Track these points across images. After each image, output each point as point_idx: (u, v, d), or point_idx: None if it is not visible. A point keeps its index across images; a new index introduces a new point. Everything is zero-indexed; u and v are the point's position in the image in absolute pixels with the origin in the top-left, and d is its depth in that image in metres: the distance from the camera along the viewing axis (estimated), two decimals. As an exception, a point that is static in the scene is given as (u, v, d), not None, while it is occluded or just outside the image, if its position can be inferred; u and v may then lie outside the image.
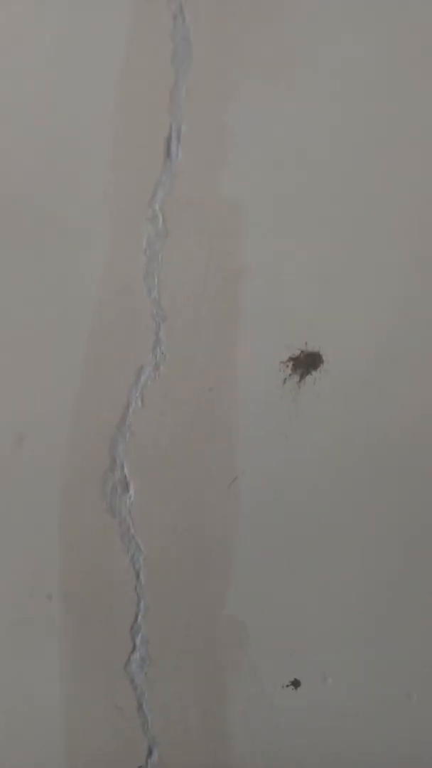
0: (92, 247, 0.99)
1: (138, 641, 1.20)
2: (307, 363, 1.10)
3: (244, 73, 0.94)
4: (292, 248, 1.04)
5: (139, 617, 1.19)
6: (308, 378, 1.11)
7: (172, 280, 1.03)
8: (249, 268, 1.04)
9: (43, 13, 0.88)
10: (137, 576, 1.18)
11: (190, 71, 0.93)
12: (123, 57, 0.91)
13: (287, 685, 1.23)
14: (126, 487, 1.13)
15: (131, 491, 1.13)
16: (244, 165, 0.98)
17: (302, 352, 1.10)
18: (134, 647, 1.19)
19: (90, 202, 0.97)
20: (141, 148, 0.95)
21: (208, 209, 1.00)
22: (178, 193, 0.99)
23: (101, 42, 0.90)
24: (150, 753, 1.20)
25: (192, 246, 1.02)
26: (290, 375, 1.10)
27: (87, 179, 0.96)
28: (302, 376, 1.10)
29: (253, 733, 1.21)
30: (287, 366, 1.10)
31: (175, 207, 0.99)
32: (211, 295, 1.05)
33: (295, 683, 1.23)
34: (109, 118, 0.93)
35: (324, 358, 1.10)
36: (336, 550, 1.21)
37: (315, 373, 1.10)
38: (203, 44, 0.92)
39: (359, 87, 0.98)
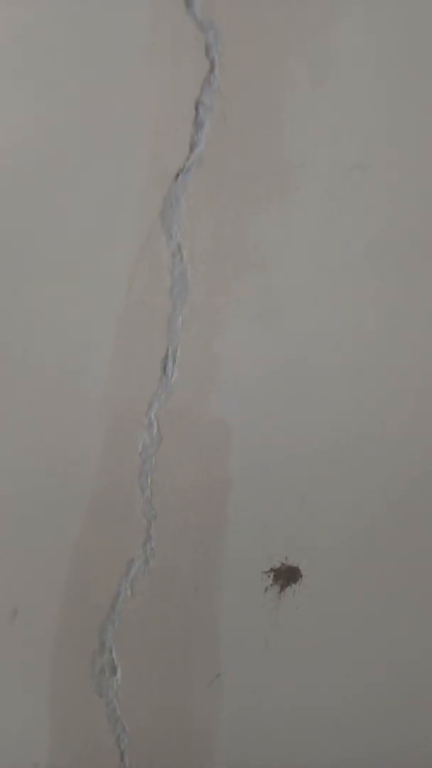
0: (91, 446, 1.02)
1: None
2: (287, 575, 1.07)
3: (234, 312, 0.96)
4: (275, 465, 1.05)
5: (124, 796, 1.17)
6: (288, 589, 1.09)
7: (164, 483, 1.04)
8: (234, 479, 1.03)
9: (48, 246, 0.96)
10: (122, 756, 1.16)
11: (186, 304, 0.97)
12: (126, 287, 0.97)
13: None
14: (114, 671, 1.12)
15: (118, 674, 1.12)
16: (231, 387, 0.97)
17: (283, 564, 1.07)
18: None
19: (91, 408, 1.01)
20: (140, 364, 0.98)
21: (198, 422, 1.01)
22: (172, 406, 1.00)
23: (108, 274, 0.97)
24: None
25: (183, 453, 1.03)
26: (271, 585, 1.07)
27: (89, 388, 1.00)
28: (282, 587, 1.08)
29: None
30: (269, 576, 1.08)
31: (169, 417, 1.00)
32: (199, 500, 1.05)
33: None
34: (112, 337, 0.98)
35: (303, 573, 1.09)
36: (313, 752, 1.16)
37: (294, 586, 1.08)
38: (198, 281, 0.97)
39: (343, 338, 1.01)
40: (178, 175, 0.91)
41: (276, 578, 1.06)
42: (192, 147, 0.90)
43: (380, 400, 1.02)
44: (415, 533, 1.09)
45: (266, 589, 1.07)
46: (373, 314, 0.98)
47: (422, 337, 1.01)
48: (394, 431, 1.04)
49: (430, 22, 0.89)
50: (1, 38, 0.85)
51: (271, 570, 1.06)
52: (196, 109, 0.89)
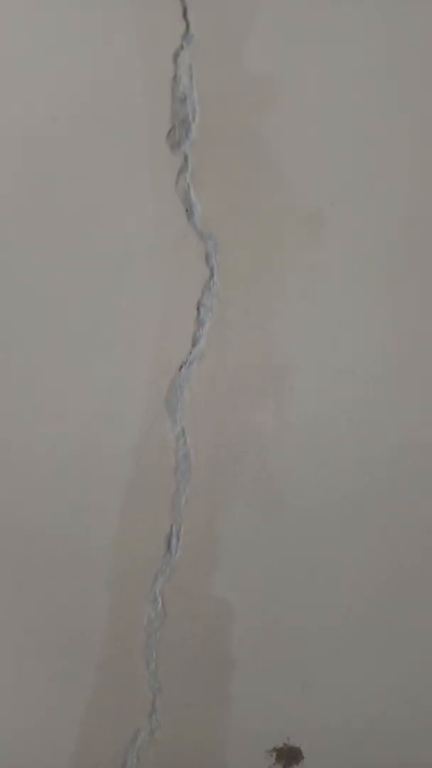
0: (98, 618, 1.02)
1: None
2: (289, 756, 1.03)
3: (235, 495, 0.97)
4: (276, 646, 1.03)
5: None
6: (291, 771, 1.06)
7: (169, 657, 1.02)
8: (236, 656, 1.01)
9: (60, 426, 1.01)
10: None
11: (190, 484, 1.01)
12: (133, 466, 1.01)
13: None
14: None
15: None
16: (233, 568, 0.97)
17: (285, 744, 1.05)
18: None
19: (98, 581, 1.01)
20: (146, 540, 1.01)
21: (201, 599, 1.00)
22: (176, 582, 1.00)
23: (115, 453, 1.00)
24: None
25: (187, 629, 1.01)
26: (274, 763, 1.06)
27: (97, 561, 0.99)
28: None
29: None
30: (271, 755, 1.06)
31: (174, 593, 1.02)
32: (202, 676, 1.03)
33: None
34: (118, 513, 1.00)
35: (305, 754, 1.06)
36: None
37: (296, 767, 1.07)
38: (201, 464, 1.00)
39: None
40: (181, 366, 0.96)
41: (278, 758, 1.04)
42: (194, 342, 0.95)
43: (376, 582, 1.02)
44: (414, 716, 1.06)
45: (269, 768, 1.05)
46: (365, 511, 1.00)
47: (411, 526, 1.01)
48: (391, 612, 1.03)
49: (403, 247, 0.93)
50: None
51: (274, 749, 1.04)
52: (198, 309, 0.94)
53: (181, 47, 0.87)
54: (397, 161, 0.87)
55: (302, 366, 0.92)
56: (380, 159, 0.87)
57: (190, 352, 0.92)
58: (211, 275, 0.90)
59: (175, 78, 0.87)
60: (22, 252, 0.89)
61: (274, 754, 1.01)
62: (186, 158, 0.88)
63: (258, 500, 0.96)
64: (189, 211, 0.89)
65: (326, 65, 0.86)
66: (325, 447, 0.94)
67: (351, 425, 0.93)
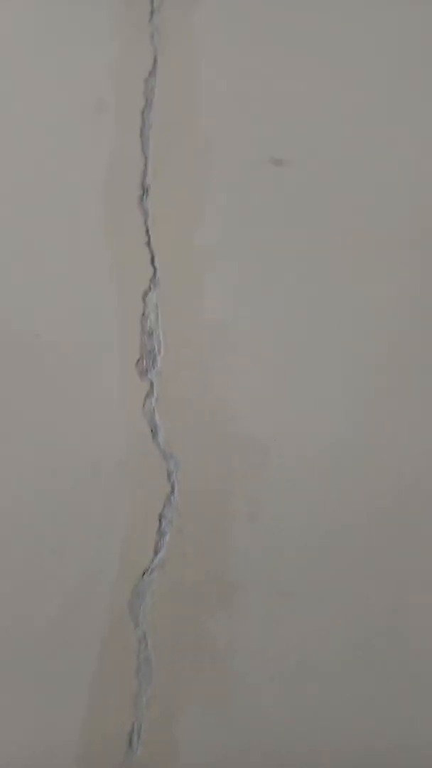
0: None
1: None
2: None
3: (193, 700, 1.03)
4: None
5: None
6: None
7: None
8: None
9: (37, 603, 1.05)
10: None
11: (151, 685, 1.05)
12: (96, 665, 1.06)
13: None
14: None
15: None
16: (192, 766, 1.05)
17: None
18: None
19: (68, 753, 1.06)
20: (108, 734, 1.01)
21: None
22: None
23: (76, 665, 1.05)
24: None
25: None
26: None
27: (64, 736, 1.05)
28: None
29: None
30: None
31: None
32: None
33: None
34: (84, 710, 1.06)
35: None
36: None
37: None
38: (161, 668, 1.04)
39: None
40: (144, 573, 1.03)
41: None
42: (156, 551, 1.03)
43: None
44: None
45: None
46: (316, 717, 1.03)
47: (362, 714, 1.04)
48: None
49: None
50: None
51: None
52: (160, 521, 1.02)
53: (150, 288, 0.97)
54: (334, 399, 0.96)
55: (248, 586, 0.98)
56: (317, 401, 0.96)
57: (152, 560, 0.99)
58: (172, 491, 0.98)
59: (143, 315, 0.97)
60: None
61: None
62: (152, 385, 0.97)
63: (214, 704, 1.00)
64: (153, 432, 0.97)
65: (274, 313, 0.96)
66: (271, 661, 0.99)
67: (291, 644, 0.99)
